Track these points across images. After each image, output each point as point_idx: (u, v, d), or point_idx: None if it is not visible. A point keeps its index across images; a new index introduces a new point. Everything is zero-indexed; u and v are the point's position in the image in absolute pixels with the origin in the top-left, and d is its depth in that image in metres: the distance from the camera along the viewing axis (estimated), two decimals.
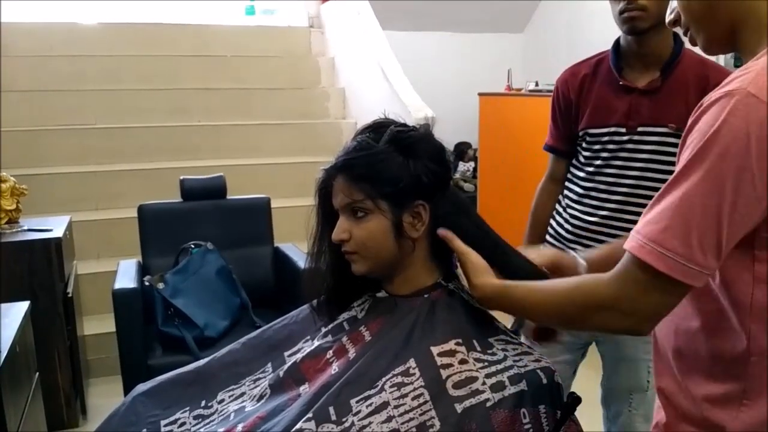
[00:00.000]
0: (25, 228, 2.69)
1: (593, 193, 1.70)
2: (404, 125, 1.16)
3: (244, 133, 4.42)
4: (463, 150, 5.24)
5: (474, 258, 1.08)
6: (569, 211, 1.76)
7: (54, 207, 3.39)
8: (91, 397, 2.86)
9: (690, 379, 0.90)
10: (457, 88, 4.95)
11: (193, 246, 2.64)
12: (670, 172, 0.83)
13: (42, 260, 2.52)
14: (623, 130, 1.63)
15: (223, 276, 2.63)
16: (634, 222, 0.86)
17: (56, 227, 2.69)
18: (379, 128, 1.15)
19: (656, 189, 0.85)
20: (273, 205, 2.99)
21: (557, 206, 1.83)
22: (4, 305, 1.83)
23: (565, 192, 1.80)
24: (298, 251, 2.83)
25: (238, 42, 4.94)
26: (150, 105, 4.35)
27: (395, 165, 1.09)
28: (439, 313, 1.11)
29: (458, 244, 1.11)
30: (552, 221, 1.84)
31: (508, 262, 1.11)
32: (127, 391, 2.29)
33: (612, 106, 1.65)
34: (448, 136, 1.24)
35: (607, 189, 1.67)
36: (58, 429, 2.52)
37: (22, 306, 1.84)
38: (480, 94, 4.44)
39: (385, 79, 4.17)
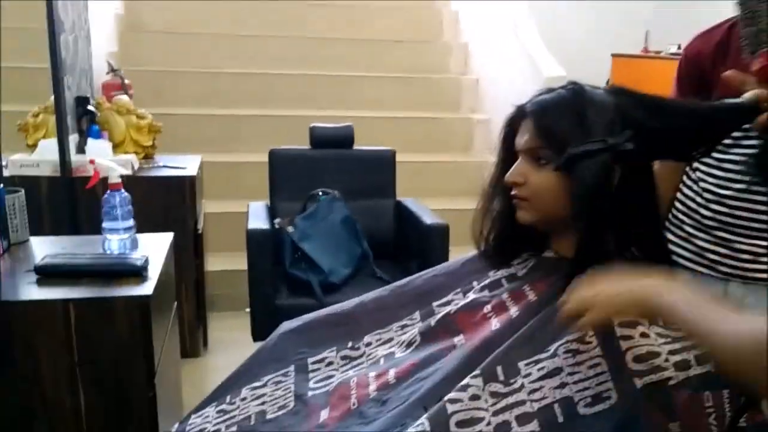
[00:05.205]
0: (161, 164, 2.78)
1: (727, 165, 1.55)
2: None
3: (365, 85, 4.40)
4: None
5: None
6: (701, 184, 1.62)
7: (182, 147, 3.49)
8: (213, 331, 2.98)
9: None
10: (590, 47, 4.69)
11: (321, 193, 2.66)
12: None
13: (177, 196, 2.60)
14: None
15: (347, 225, 2.64)
16: None
17: (189, 165, 2.76)
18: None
19: None
20: None
21: (685, 179, 1.69)
22: (148, 235, 1.89)
23: (695, 164, 1.65)
24: (420, 206, 2.79)
25: None
26: (276, 53, 4.40)
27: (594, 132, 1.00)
28: None
29: None
30: (679, 194, 1.70)
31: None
32: (256, 327, 2.38)
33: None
34: None
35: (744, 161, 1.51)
36: (180, 358, 2.63)
37: (167, 237, 1.90)
38: (614, 55, 4.20)
39: (515, 34, 4.00)
